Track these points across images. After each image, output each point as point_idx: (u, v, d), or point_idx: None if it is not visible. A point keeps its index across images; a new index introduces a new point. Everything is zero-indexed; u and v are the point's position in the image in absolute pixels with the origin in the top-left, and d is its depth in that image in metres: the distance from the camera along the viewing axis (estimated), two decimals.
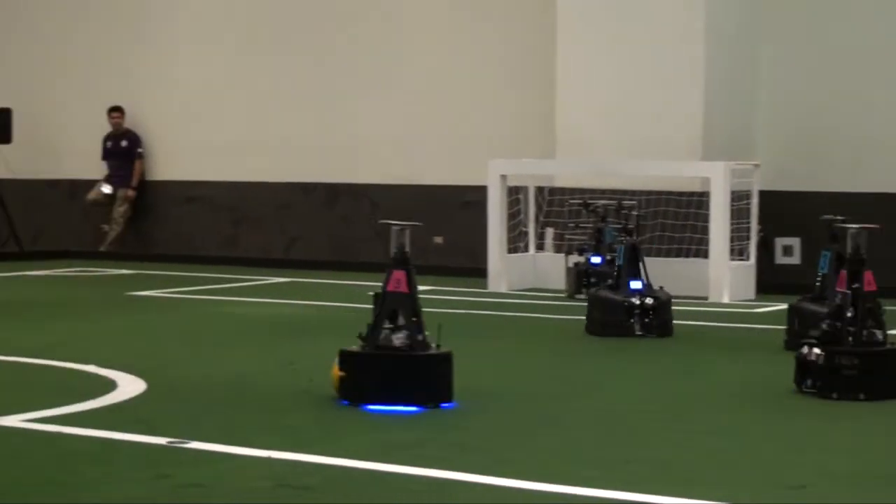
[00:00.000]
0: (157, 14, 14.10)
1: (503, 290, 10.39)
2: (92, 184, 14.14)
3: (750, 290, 10.05)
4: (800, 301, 7.15)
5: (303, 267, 12.12)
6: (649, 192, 10.57)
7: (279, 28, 13.42)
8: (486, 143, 12.02)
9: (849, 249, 5.81)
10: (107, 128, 14.09)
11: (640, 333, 7.71)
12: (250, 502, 4.03)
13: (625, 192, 10.56)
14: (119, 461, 4.54)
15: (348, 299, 9.85)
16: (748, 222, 10.25)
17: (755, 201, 10.32)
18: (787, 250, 11.03)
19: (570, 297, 9.89)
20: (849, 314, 5.66)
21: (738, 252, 10.17)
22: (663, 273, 10.20)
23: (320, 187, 13.11)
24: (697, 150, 10.70)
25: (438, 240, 12.53)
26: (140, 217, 14.12)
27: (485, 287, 10.53)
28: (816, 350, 5.71)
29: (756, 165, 10.51)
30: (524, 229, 11.00)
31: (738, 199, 10.18)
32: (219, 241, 13.68)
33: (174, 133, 13.99)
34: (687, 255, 10.31)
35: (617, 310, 7.76)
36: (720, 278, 9.78)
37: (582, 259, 9.97)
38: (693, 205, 10.40)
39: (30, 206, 14.47)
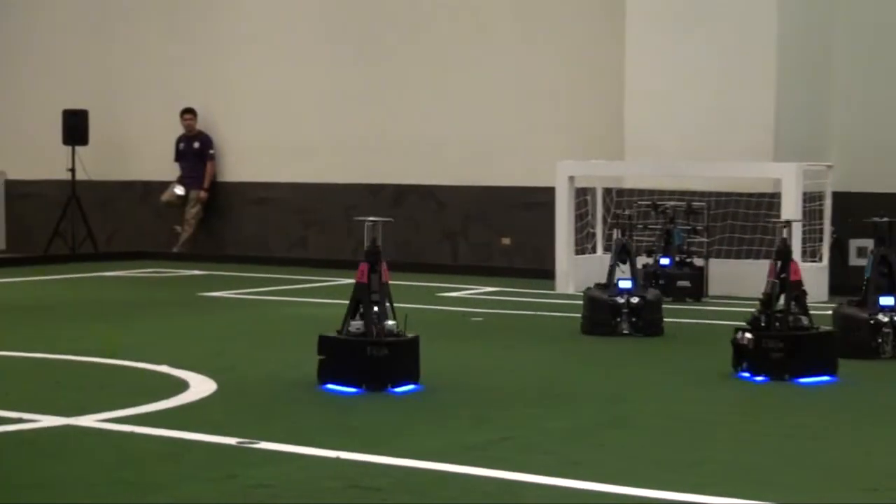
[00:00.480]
0: (230, 17, 14.24)
1: (570, 291, 10.35)
2: (164, 185, 14.32)
3: (823, 291, 9.91)
4: (841, 306, 7.17)
5: None
6: (719, 194, 10.48)
7: (349, 31, 13.49)
8: (555, 144, 11.99)
9: (777, 243, 6.36)
10: (179, 129, 14.26)
11: (626, 333, 7.66)
12: (319, 503, 4.06)
13: (693, 194, 10.48)
14: (189, 461, 4.59)
15: (415, 300, 9.88)
16: (821, 224, 10.11)
17: (828, 202, 10.18)
18: (862, 252, 10.86)
19: None
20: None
21: (810, 254, 10.04)
22: (733, 274, 10.15)
23: (388, 188, 13.17)
24: (769, 150, 10.58)
25: (506, 241, 12.53)
26: (211, 218, 14.28)
27: (552, 288, 10.50)
28: (748, 335, 6.18)
29: (829, 166, 10.36)
30: (592, 230, 10.95)
31: (811, 201, 10.04)
32: (288, 242, 13.79)
33: (245, 135, 14.13)
34: (757, 257, 10.20)
35: (603, 309, 7.73)
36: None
37: (650, 260, 9.90)
38: (764, 206, 10.28)
39: (104, 207, 14.71)
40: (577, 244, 10.67)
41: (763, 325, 6.23)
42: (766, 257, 10.13)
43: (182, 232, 14.18)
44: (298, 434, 4.96)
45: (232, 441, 4.81)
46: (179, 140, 14.29)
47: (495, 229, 12.64)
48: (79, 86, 14.91)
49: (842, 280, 10.25)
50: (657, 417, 5.50)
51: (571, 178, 10.60)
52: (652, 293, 7.90)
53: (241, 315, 9.11)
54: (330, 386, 5.86)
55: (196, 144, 14.20)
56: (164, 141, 14.31)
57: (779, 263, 6.30)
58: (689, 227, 10.04)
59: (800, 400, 5.94)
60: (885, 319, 6.88)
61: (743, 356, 6.27)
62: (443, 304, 9.72)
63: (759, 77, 10.59)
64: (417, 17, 13.11)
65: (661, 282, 9.61)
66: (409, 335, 5.96)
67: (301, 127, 13.74)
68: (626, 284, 7.82)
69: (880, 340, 6.90)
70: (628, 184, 11.08)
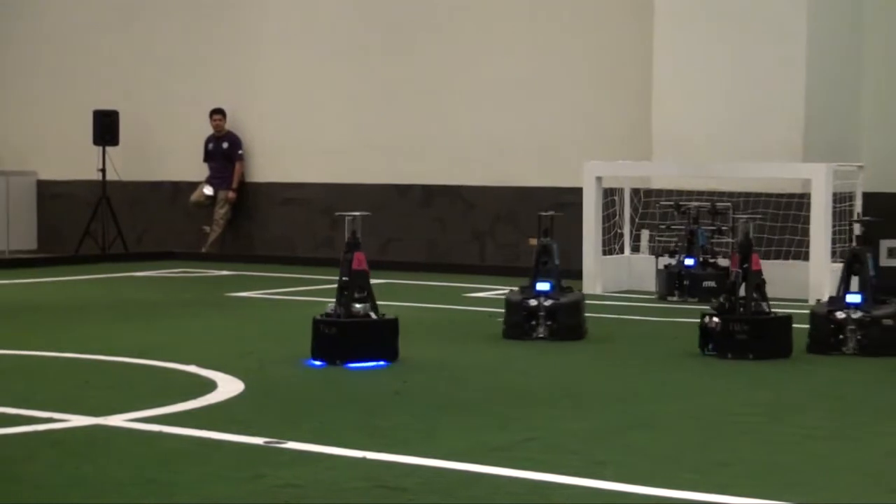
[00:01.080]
0: (259, 18, 14.30)
1: (598, 291, 10.34)
2: (193, 185, 14.40)
3: None
4: (818, 304, 7.40)
5: (398, 268, 12.19)
6: (748, 194, 10.43)
7: (376, 32, 13.51)
8: (582, 144, 11.97)
9: (740, 237, 7.12)
10: (208, 130, 14.33)
11: (541, 336, 7.47)
12: (346, 503, 4.07)
13: (722, 194, 10.44)
14: (217, 461, 4.61)
15: (443, 301, 9.90)
16: (851, 224, 10.05)
17: (859, 203, 10.12)
18: (893, 252, 10.78)
19: (662, 299, 9.81)
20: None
21: (840, 254, 9.97)
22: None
23: (416, 188, 13.18)
24: (798, 151, 10.53)
25: (533, 241, 12.51)
26: (239, 218, 14.34)
27: (579, 289, 10.46)
28: (715, 319, 6.88)
29: (860, 167, 10.29)
30: (619, 231, 10.93)
31: (841, 201, 9.98)
32: (316, 242, 13.83)
33: (273, 135, 14.18)
34: (786, 258, 10.14)
35: (518, 312, 7.58)
36: (821, 281, 9.60)
37: (673, 261, 9.86)
38: (793, 206, 10.23)
39: (134, 207, 14.80)
40: (604, 245, 10.65)
41: (728, 310, 6.89)
42: (795, 258, 10.11)
43: (211, 232, 14.25)
44: (325, 434, 4.98)
45: (259, 441, 4.83)
46: (208, 140, 14.36)
47: (523, 230, 12.62)
48: (109, 87, 15.00)
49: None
50: (681, 418, 5.48)
51: (599, 179, 10.58)
52: (571, 296, 7.66)
53: (269, 315, 9.14)
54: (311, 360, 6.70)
55: (225, 145, 14.26)
56: (193, 141, 14.38)
57: (741, 256, 6.98)
58: (713, 228, 10.00)
59: (819, 400, 5.92)
60: (844, 316, 6.99)
61: (709, 338, 6.93)
62: (469, 304, 9.72)
63: (789, 76, 10.54)
64: (445, 17, 13.12)
65: (685, 282, 9.56)
66: (381, 317, 6.71)
67: (329, 127, 13.77)
68: (543, 287, 7.58)
69: (842, 336, 6.97)
70: (656, 184, 11.05)
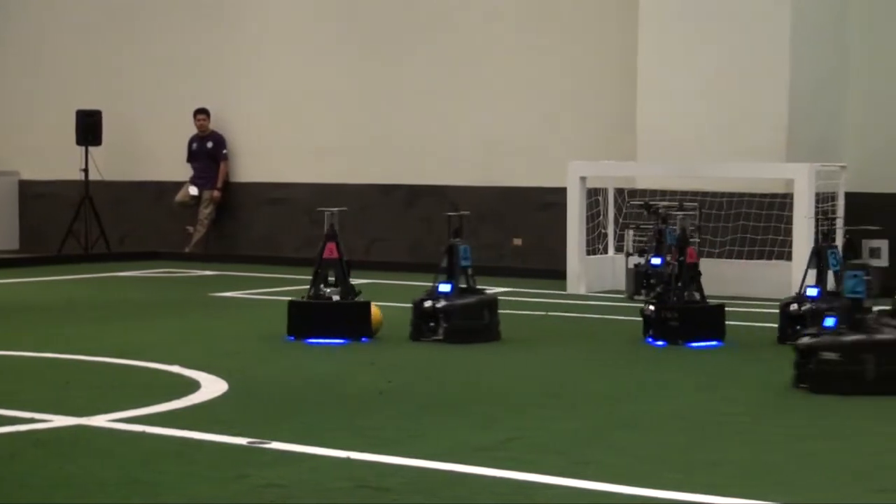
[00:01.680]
0: (243, 18, 14.27)
1: (582, 291, 10.35)
2: (177, 185, 14.36)
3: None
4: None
5: (383, 268, 12.18)
6: (731, 194, 10.46)
7: (363, 32, 13.50)
8: (567, 145, 11.98)
9: (678, 233, 7.61)
10: (192, 130, 14.30)
11: (440, 339, 7.41)
12: (329, 503, 4.06)
13: (706, 194, 10.47)
14: (200, 461, 4.60)
15: None
16: (833, 225, 10.08)
17: (841, 203, 10.15)
18: (875, 252, 10.83)
19: (630, 298, 9.85)
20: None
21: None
22: (744, 275, 10.13)
23: (401, 189, 13.17)
24: (781, 151, 10.56)
25: (517, 241, 12.52)
26: (223, 218, 14.30)
27: (564, 289, 10.50)
28: (651, 307, 7.47)
29: (842, 167, 10.33)
30: (603, 231, 10.95)
31: (824, 201, 10.02)
32: (300, 241, 13.81)
33: (258, 135, 14.15)
34: (769, 258, 10.18)
35: (415, 313, 7.60)
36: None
37: (642, 260, 9.92)
38: (776, 206, 10.26)
39: (117, 207, 14.75)
40: (588, 245, 10.66)
41: (662, 299, 7.47)
42: (779, 258, 10.14)
43: (195, 232, 14.21)
44: (309, 434, 4.97)
45: (243, 441, 4.82)
46: (192, 140, 14.32)
47: (507, 230, 12.64)
48: (92, 86, 14.95)
49: None
50: (665, 418, 5.49)
51: (583, 179, 10.59)
52: (469, 298, 7.59)
53: (253, 315, 9.12)
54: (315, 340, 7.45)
55: (209, 144, 14.23)
56: (176, 141, 14.34)
57: (678, 249, 7.52)
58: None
59: (803, 400, 5.93)
60: (796, 308, 7.25)
61: (648, 325, 7.45)
62: None
63: (772, 77, 10.57)
64: (430, 18, 13.12)
65: (651, 281, 9.62)
66: (350, 300, 7.52)
67: (313, 127, 13.76)
68: (444, 288, 7.55)
69: (799, 328, 7.11)
70: (640, 184, 11.06)
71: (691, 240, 7.96)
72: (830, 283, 7.59)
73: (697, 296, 7.47)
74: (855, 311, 5.84)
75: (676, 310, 7.35)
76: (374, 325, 7.62)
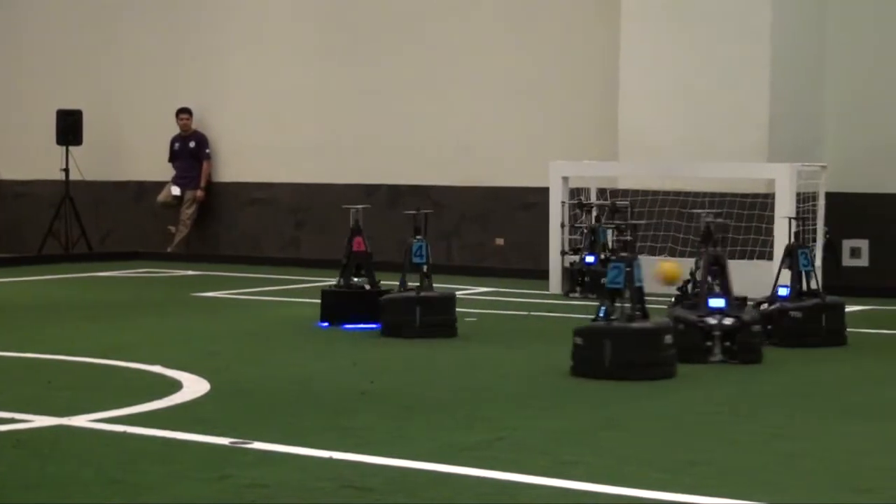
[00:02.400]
0: (225, 17, 14.23)
1: (564, 291, 10.36)
2: (159, 185, 14.31)
3: None
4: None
5: None
6: (713, 194, 10.48)
7: (344, 31, 13.49)
8: (549, 144, 11.99)
9: (702, 229, 7.38)
10: (174, 129, 14.25)
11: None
12: (313, 503, 4.05)
13: (688, 194, 10.49)
14: (183, 461, 4.58)
15: None
16: (814, 224, 10.12)
17: (822, 203, 10.19)
18: (855, 252, 10.88)
19: (565, 295, 10.11)
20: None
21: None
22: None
23: (382, 189, 13.16)
24: (763, 151, 10.59)
25: (500, 241, 12.53)
26: (205, 218, 14.26)
27: (546, 289, 10.50)
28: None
29: (823, 167, 10.37)
30: (585, 231, 10.94)
31: (805, 201, 10.05)
32: (282, 242, 13.78)
33: (239, 135, 14.12)
34: (751, 258, 10.20)
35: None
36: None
37: (577, 258, 10.06)
38: (758, 206, 10.29)
39: (98, 207, 14.69)
40: (568, 245, 10.67)
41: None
42: (760, 258, 10.17)
43: (177, 232, 14.16)
44: (292, 434, 4.96)
45: (225, 441, 4.81)
46: (174, 140, 14.27)
47: (490, 229, 12.64)
48: (73, 86, 14.89)
49: (834, 280, 10.27)
50: (649, 418, 5.50)
51: (565, 179, 10.61)
52: (390, 292, 7.92)
53: (235, 315, 9.10)
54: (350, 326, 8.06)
55: (192, 144, 14.18)
56: (158, 141, 14.30)
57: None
58: (612, 226, 10.12)
59: (784, 400, 5.95)
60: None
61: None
62: None
63: (754, 77, 10.60)
64: (412, 18, 13.11)
65: (586, 279, 9.88)
66: (377, 289, 8.12)
67: (296, 127, 13.73)
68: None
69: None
70: (622, 184, 11.08)
71: (624, 238, 7.99)
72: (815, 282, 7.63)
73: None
74: (612, 300, 6.41)
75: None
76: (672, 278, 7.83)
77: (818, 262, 10.10)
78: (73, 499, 4.08)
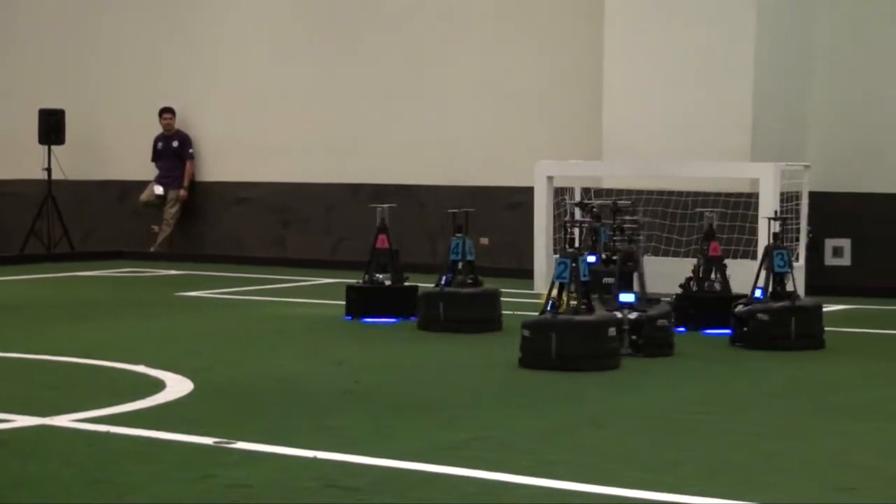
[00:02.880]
0: (208, 16, 14.20)
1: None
2: (141, 185, 14.26)
3: (799, 292, 9.92)
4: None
5: (350, 268, 12.12)
6: (696, 193, 10.50)
7: (328, 31, 13.47)
8: (534, 143, 12.00)
9: (705, 227, 7.92)
10: (157, 129, 14.21)
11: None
12: (297, 503, 4.04)
13: (671, 193, 10.51)
14: (166, 461, 4.56)
15: None
16: (797, 223, 10.16)
17: (805, 202, 10.22)
18: (838, 251, 10.91)
19: None
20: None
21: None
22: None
23: (367, 188, 13.15)
24: (747, 150, 10.61)
25: (484, 240, 12.53)
26: (189, 218, 14.22)
27: (531, 288, 10.51)
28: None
29: (806, 166, 10.40)
30: (570, 230, 10.94)
31: (788, 201, 10.08)
32: (267, 241, 13.75)
33: (223, 134, 14.08)
34: (735, 257, 10.23)
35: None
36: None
37: None
38: (741, 206, 10.32)
39: (81, 207, 14.63)
40: (555, 244, 10.67)
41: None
42: (743, 257, 10.19)
43: (160, 231, 14.12)
44: (275, 434, 4.95)
45: (209, 441, 4.79)
46: (158, 140, 14.23)
47: (474, 229, 12.61)
48: (55, 85, 14.83)
49: (818, 280, 10.31)
50: (632, 417, 5.50)
51: (550, 178, 10.61)
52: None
53: (219, 315, 9.08)
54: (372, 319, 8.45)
55: (175, 144, 14.14)
56: (141, 140, 14.25)
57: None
58: (614, 226, 10.11)
59: (765, 399, 5.97)
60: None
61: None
62: None
63: (737, 77, 10.62)
64: (397, 17, 13.10)
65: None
66: (398, 285, 8.54)
67: (280, 126, 13.70)
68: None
69: (745, 329, 7.15)
70: (606, 184, 11.10)
71: (635, 238, 8.07)
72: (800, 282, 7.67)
73: (719, 287, 8.06)
74: (559, 294, 6.71)
75: (694, 299, 8.00)
76: None
77: (801, 262, 10.15)
78: (56, 499, 4.06)
